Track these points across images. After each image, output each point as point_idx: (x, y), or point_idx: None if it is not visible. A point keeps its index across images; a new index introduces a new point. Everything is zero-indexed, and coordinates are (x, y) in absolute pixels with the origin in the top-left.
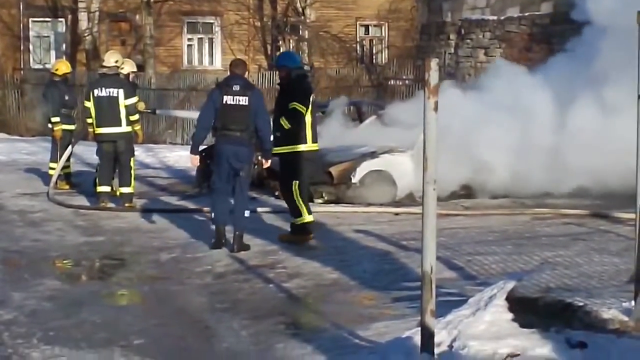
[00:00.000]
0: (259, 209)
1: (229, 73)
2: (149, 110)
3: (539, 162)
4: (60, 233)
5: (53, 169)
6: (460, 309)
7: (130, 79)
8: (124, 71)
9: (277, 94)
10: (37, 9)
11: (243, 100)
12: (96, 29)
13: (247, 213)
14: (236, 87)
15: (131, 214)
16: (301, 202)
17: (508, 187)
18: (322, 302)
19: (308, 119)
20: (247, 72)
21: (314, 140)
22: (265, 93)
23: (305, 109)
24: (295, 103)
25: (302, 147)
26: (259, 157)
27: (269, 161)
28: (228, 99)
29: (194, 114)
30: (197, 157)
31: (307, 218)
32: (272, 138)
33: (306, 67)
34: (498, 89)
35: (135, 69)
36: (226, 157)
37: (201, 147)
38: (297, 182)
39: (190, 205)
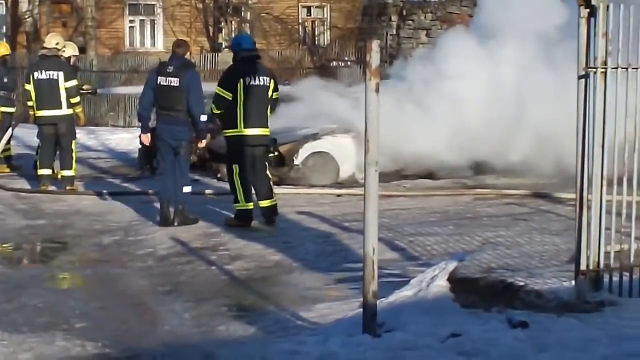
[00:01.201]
0: (207, 191)
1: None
2: (90, 91)
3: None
4: (0, 217)
5: None
6: (402, 290)
7: (72, 63)
8: (66, 54)
9: None
10: None
11: (174, 82)
12: (37, 11)
13: (187, 189)
14: (170, 69)
15: (72, 197)
16: (238, 188)
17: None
18: (264, 284)
19: (240, 103)
20: (188, 53)
21: (249, 125)
22: (207, 75)
23: (229, 93)
24: (217, 87)
25: (231, 132)
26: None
27: (204, 141)
28: (162, 80)
29: (135, 89)
30: (147, 135)
31: (242, 205)
32: (204, 118)
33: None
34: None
35: (77, 53)
36: (164, 137)
37: None
38: (235, 166)
39: (133, 187)
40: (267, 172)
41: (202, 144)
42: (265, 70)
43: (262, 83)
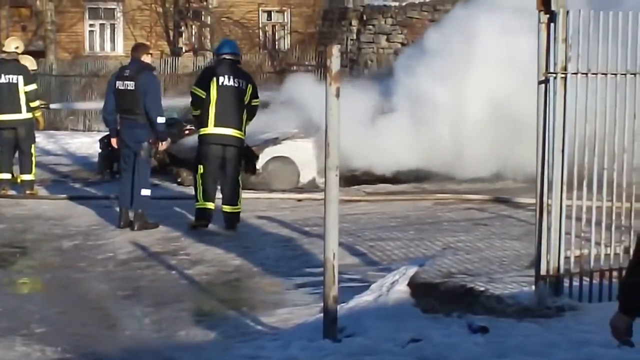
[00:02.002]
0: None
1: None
2: (42, 105)
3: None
4: None
5: None
6: (362, 295)
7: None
8: None
9: None
10: None
11: (130, 85)
12: None
13: (146, 192)
14: (126, 72)
15: (32, 201)
16: (198, 186)
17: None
18: (225, 288)
19: (212, 101)
20: (148, 55)
21: (219, 124)
22: (168, 79)
23: (202, 92)
24: (192, 87)
25: (202, 131)
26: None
27: (164, 143)
28: (119, 84)
29: (93, 105)
30: (115, 139)
31: (200, 204)
32: (162, 120)
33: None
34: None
35: (35, 67)
36: (125, 139)
37: (103, 134)
38: (201, 165)
39: (93, 191)
40: (239, 177)
41: (162, 146)
42: (245, 75)
43: (237, 85)
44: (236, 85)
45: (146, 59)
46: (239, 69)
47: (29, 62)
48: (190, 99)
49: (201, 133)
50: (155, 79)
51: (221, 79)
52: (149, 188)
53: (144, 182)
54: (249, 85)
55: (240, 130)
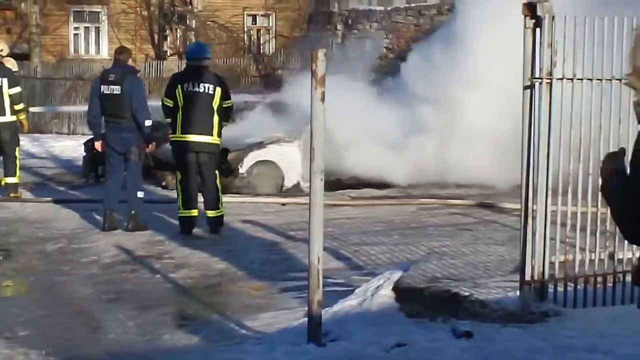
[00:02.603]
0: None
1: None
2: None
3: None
4: None
5: None
6: (347, 299)
7: None
8: None
9: None
10: None
11: (116, 89)
12: None
13: (140, 194)
14: (112, 77)
15: (16, 204)
16: (179, 193)
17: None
18: (209, 292)
19: (180, 109)
20: (129, 59)
21: (188, 131)
22: (152, 83)
23: (169, 100)
24: (163, 96)
25: (173, 137)
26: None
27: (151, 146)
28: (105, 89)
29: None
30: (99, 142)
31: (181, 212)
32: (149, 123)
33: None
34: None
35: (16, 69)
36: (112, 144)
37: (88, 138)
38: (178, 172)
39: (78, 194)
40: (217, 181)
41: (150, 149)
42: (211, 78)
43: (203, 90)
44: (202, 90)
45: (129, 62)
46: (204, 73)
47: (10, 64)
48: None
49: (173, 139)
50: (140, 82)
51: (185, 85)
52: (143, 190)
53: (137, 185)
54: (217, 88)
55: (211, 134)
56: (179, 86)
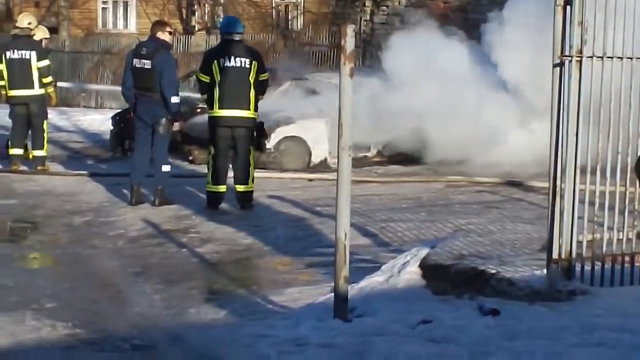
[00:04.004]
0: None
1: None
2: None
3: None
4: None
5: None
6: (373, 276)
7: (44, 45)
8: (37, 37)
9: None
10: None
11: (147, 64)
12: None
13: (166, 168)
14: (143, 51)
15: (44, 177)
16: (209, 168)
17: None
18: (235, 267)
19: (216, 84)
20: (167, 33)
21: (224, 106)
22: (180, 57)
23: (206, 76)
24: (197, 71)
25: (210, 113)
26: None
27: (177, 124)
28: (136, 62)
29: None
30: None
31: (210, 186)
32: (176, 100)
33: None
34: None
35: (47, 35)
36: (142, 115)
37: (115, 112)
38: (211, 147)
39: (105, 168)
40: (250, 157)
41: (175, 126)
42: (246, 52)
43: (238, 64)
44: (238, 65)
45: (164, 36)
46: (240, 47)
47: (42, 32)
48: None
49: (209, 115)
50: (171, 58)
51: (222, 60)
52: (169, 164)
53: (163, 159)
54: (254, 61)
55: (249, 109)
56: (215, 62)
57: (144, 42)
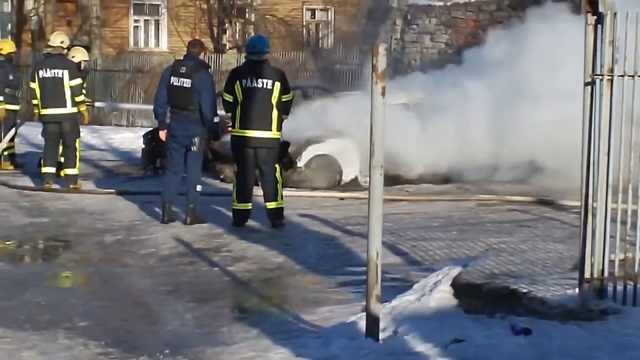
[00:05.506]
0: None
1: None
2: (88, 102)
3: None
4: (4, 214)
5: None
6: (405, 295)
7: (82, 67)
8: (76, 59)
9: None
10: None
11: (186, 83)
12: (42, 9)
13: (199, 187)
14: (182, 69)
15: (76, 195)
16: (234, 187)
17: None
18: (266, 285)
19: (239, 104)
20: (202, 53)
21: (247, 126)
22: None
23: (229, 95)
24: (222, 91)
25: (233, 132)
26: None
27: (217, 143)
28: (174, 80)
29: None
30: (164, 132)
31: (235, 204)
32: (217, 120)
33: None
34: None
35: (87, 58)
36: (176, 133)
37: (147, 130)
38: (235, 165)
39: (136, 186)
40: (277, 174)
41: (214, 145)
42: (269, 72)
43: (261, 85)
44: (260, 86)
45: (201, 56)
46: (263, 68)
47: (81, 54)
48: None
49: (232, 134)
50: (210, 77)
51: (244, 81)
52: (201, 183)
53: (196, 177)
54: (276, 82)
55: (270, 129)
56: (238, 82)
57: (183, 61)
